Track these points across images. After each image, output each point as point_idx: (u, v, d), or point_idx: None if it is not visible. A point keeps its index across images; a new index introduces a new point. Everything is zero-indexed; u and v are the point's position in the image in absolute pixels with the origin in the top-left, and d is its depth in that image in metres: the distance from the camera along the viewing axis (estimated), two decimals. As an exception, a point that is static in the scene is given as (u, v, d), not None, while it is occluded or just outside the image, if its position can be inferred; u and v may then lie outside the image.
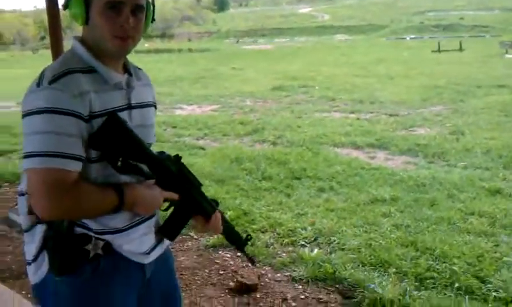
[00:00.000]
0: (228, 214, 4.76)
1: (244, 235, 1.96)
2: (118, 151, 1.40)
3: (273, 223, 4.57)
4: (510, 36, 41.19)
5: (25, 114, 1.31)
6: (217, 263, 3.92)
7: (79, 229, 1.40)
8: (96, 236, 1.42)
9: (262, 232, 4.42)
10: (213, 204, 1.69)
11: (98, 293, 1.46)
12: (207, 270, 3.81)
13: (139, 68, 1.63)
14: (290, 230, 4.41)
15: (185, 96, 14.57)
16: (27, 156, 1.28)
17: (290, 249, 4.10)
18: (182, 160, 1.58)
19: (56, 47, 3.68)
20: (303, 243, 4.18)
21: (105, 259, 1.44)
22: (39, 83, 1.33)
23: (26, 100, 1.33)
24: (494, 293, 3.25)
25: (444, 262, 3.67)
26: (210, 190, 5.45)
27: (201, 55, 38.48)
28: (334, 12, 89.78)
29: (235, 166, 6.51)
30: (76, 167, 1.31)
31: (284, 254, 4.01)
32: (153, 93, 1.67)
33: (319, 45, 43.05)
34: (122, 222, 1.46)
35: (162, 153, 1.55)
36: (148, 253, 1.57)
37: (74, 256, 1.40)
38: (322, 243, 4.16)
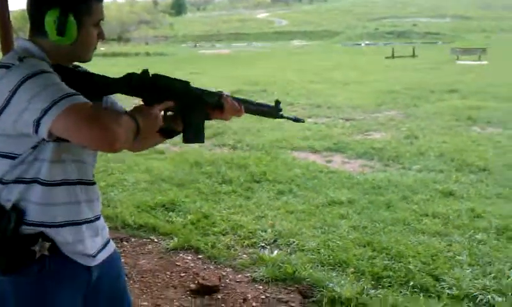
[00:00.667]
0: (189, 218, 4.79)
1: (274, 103, 1.94)
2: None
3: (234, 225, 4.60)
4: (461, 42, 42.78)
5: (16, 87, 1.31)
6: (178, 265, 3.92)
7: (26, 228, 1.43)
8: (41, 230, 1.44)
9: (223, 234, 4.45)
10: (216, 93, 1.74)
11: (43, 293, 1.48)
12: (168, 273, 3.80)
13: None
14: (251, 232, 4.45)
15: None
16: (47, 109, 1.28)
17: (251, 250, 4.15)
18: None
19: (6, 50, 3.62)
20: (263, 245, 4.23)
21: (51, 260, 1.46)
22: (8, 66, 1.36)
23: (7, 80, 1.33)
24: (448, 291, 3.38)
25: (400, 261, 3.79)
26: (169, 193, 5.48)
27: (158, 59, 38.19)
28: (291, 17, 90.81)
29: (195, 170, 6.52)
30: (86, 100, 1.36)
31: (245, 256, 4.05)
32: None
33: (276, 50, 43.37)
34: (62, 217, 1.49)
35: (128, 75, 1.58)
36: (95, 256, 1.59)
37: (20, 256, 1.42)
38: (281, 244, 4.22)
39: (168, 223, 4.69)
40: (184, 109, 1.66)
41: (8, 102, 1.32)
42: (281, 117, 1.96)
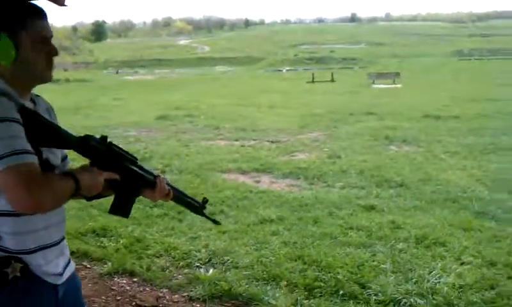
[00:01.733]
0: (121, 242, 4.78)
1: (200, 200, 2.03)
2: (39, 141, 1.48)
3: (167, 248, 4.63)
4: (375, 67, 44.95)
5: None
6: (113, 289, 3.91)
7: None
8: (15, 255, 1.49)
9: (157, 257, 4.48)
10: (153, 173, 1.80)
11: None
12: (103, 297, 3.78)
13: (37, 95, 1.70)
14: (185, 253, 4.51)
15: (66, 127, 14.00)
16: None
17: (186, 270, 4.21)
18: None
19: None
20: (198, 264, 4.30)
21: (22, 280, 1.51)
22: None
23: None
24: (374, 297, 3.61)
25: (329, 272, 3.99)
26: (100, 219, 5.41)
27: (79, 85, 37.08)
28: (213, 44, 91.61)
29: (124, 195, 6.47)
30: (37, 161, 1.39)
31: (180, 276, 4.11)
32: (53, 116, 1.75)
33: (200, 76, 43.56)
34: (34, 243, 1.53)
35: (86, 136, 1.60)
36: (61, 274, 1.66)
37: None
38: (216, 263, 4.31)
39: (100, 248, 4.66)
40: (124, 183, 1.69)
41: None
42: (204, 215, 2.08)
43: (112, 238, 4.92)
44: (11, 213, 1.47)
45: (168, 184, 1.87)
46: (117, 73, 55.86)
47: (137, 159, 1.76)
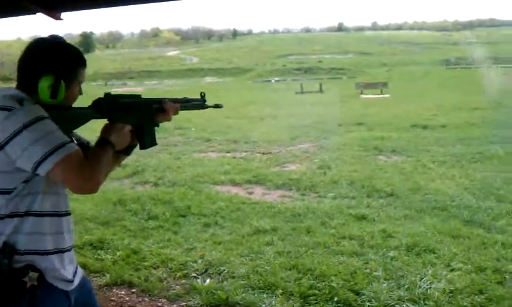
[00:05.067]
0: (118, 254, 4.85)
1: (200, 96, 2.32)
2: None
3: (164, 259, 4.73)
4: (364, 77, 45.33)
5: (20, 130, 1.50)
6: (112, 300, 3.99)
7: (17, 260, 1.59)
8: (31, 264, 1.61)
9: (154, 268, 4.56)
10: (158, 99, 2.02)
11: None
12: (103, 309, 3.86)
13: None
14: (182, 264, 4.61)
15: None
16: (48, 155, 1.50)
17: (184, 281, 4.30)
18: None
19: None
20: (195, 275, 4.40)
21: (39, 289, 1.63)
22: (10, 108, 1.54)
23: (13, 121, 1.52)
24: (368, 303, 3.74)
25: (323, 280, 4.11)
26: (96, 232, 5.49)
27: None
28: (202, 55, 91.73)
29: (119, 208, 6.55)
30: (76, 146, 1.60)
31: (178, 287, 4.20)
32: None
33: (189, 88, 43.61)
34: (52, 245, 1.68)
35: (97, 101, 1.83)
36: (72, 281, 1.78)
37: (13, 287, 1.57)
38: (213, 273, 4.41)
39: (98, 261, 4.73)
40: (141, 120, 1.92)
41: (11, 139, 1.50)
42: (207, 106, 2.37)
43: (109, 250, 5.00)
44: (34, 213, 1.61)
45: (171, 99, 2.10)
46: (106, 85, 55.72)
47: (140, 95, 1.97)
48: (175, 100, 2.12)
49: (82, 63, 1.82)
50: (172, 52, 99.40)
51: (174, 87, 47.09)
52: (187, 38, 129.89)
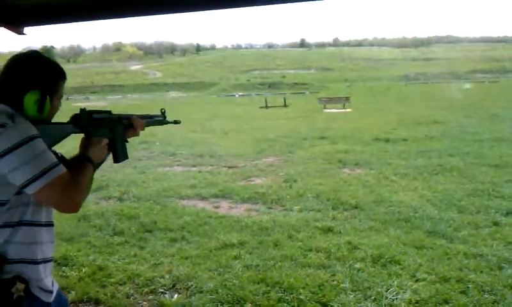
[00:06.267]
0: (84, 271, 4.76)
1: (160, 112, 2.45)
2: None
3: (130, 275, 4.66)
4: (326, 92, 45.97)
5: (14, 148, 1.54)
6: (78, 318, 3.91)
7: (6, 271, 1.62)
8: (19, 276, 1.65)
9: (121, 284, 4.49)
10: (127, 115, 2.12)
11: None
12: (69, 327, 3.77)
13: None
14: (149, 280, 4.55)
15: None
16: (38, 177, 1.56)
17: (151, 297, 4.25)
18: None
19: None
20: (162, 290, 4.35)
21: (25, 300, 1.65)
22: (3, 125, 1.56)
23: (6, 138, 1.55)
24: (335, 315, 3.78)
25: (291, 293, 4.13)
26: (60, 249, 5.36)
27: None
28: (165, 69, 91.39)
29: (83, 224, 6.43)
30: (62, 167, 1.65)
31: (145, 303, 4.14)
32: None
33: (153, 102, 43.38)
34: (40, 255, 1.73)
35: (75, 117, 1.93)
36: (52, 292, 1.81)
37: (1, 298, 1.60)
38: (180, 288, 4.37)
39: (63, 278, 4.62)
40: (114, 134, 2.02)
41: (3, 155, 1.53)
42: (167, 122, 2.52)
43: (74, 267, 4.90)
44: (26, 223, 1.66)
45: (138, 116, 2.21)
46: (67, 99, 54.77)
47: (110, 111, 2.06)
48: (141, 117, 2.21)
49: (64, 76, 1.89)
50: (135, 67, 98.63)
51: (138, 101, 46.63)
52: (150, 52, 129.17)
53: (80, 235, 5.99)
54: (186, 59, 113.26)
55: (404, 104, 28.96)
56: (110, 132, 2.00)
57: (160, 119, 2.45)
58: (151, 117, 2.37)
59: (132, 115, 2.15)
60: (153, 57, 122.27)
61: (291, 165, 10.70)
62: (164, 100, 46.27)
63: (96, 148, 1.90)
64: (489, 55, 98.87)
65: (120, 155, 2.09)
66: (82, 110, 1.92)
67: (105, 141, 1.95)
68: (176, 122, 2.62)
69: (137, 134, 2.18)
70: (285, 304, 3.95)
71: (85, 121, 1.90)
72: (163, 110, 2.45)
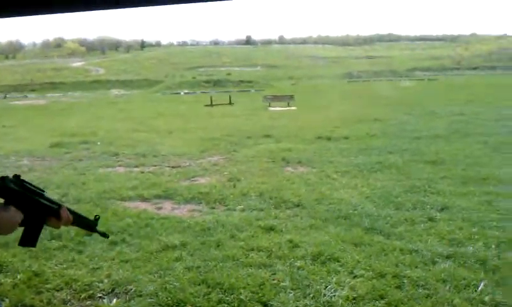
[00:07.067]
0: (18, 277, 4.62)
1: (92, 217, 2.19)
2: None
3: (68, 280, 4.56)
4: (271, 90, 46.24)
5: None
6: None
7: None
8: None
9: (57, 290, 4.38)
10: (57, 202, 1.91)
11: None
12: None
13: None
14: (87, 285, 4.46)
15: None
16: None
17: (89, 302, 4.17)
18: None
19: None
20: (101, 295, 4.28)
21: None
22: None
23: None
24: (275, 314, 3.83)
25: (232, 294, 4.17)
26: (-6, 255, 5.17)
27: (-39, 111, 34.65)
28: (108, 66, 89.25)
29: (19, 228, 6.20)
30: None
31: (83, 309, 4.07)
32: None
33: (95, 100, 42.29)
34: None
35: (2, 178, 1.70)
36: None
37: None
38: (119, 293, 4.32)
39: (-4, 286, 4.47)
40: (32, 215, 1.80)
41: None
42: (96, 232, 2.23)
43: (9, 273, 4.74)
44: None
45: (69, 210, 1.98)
46: (5, 97, 52.61)
47: (43, 191, 1.85)
48: (71, 212, 2.02)
49: None
50: (77, 63, 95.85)
51: (79, 99, 45.38)
52: (93, 48, 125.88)
53: (15, 240, 5.70)
54: (130, 55, 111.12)
55: (346, 102, 29.54)
56: (28, 212, 1.77)
57: (90, 225, 2.20)
58: (82, 218, 2.15)
59: (63, 205, 1.94)
60: (96, 53, 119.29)
61: (235, 164, 10.73)
62: (107, 98, 45.21)
63: (8, 216, 1.67)
64: (428, 53, 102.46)
65: (27, 241, 1.86)
66: (17, 176, 1.73)
67: (21, 216, 1.73)
68: (104, 235, 2.34)
69: (58, 227, 1.97)
70: (226, 305, 3.98)
71: (13, 188, 1.71)
72: (97, 217, 2.22)
